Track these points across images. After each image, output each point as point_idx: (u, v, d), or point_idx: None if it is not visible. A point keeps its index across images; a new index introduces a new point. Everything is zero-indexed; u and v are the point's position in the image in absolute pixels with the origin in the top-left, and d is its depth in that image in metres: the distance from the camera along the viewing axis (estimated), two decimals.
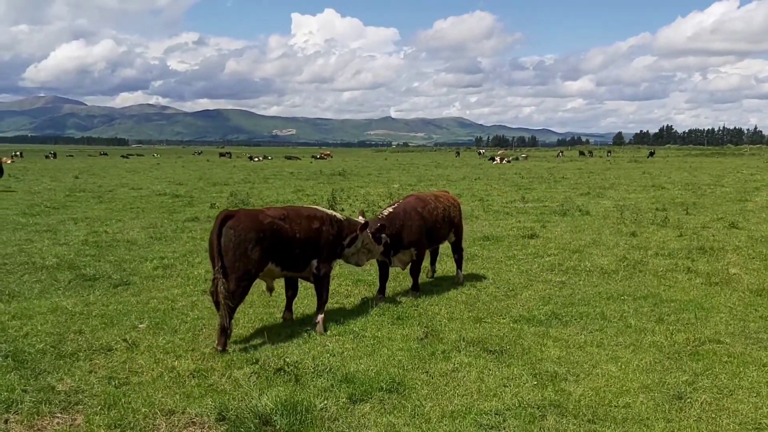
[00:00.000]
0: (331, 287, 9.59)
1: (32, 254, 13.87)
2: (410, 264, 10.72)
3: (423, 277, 11.50)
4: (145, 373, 7.09)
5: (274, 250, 8.16)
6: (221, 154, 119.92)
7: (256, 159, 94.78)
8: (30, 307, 9.78)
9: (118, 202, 26.15)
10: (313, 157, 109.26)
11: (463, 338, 8.16)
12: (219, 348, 7.74)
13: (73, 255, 13.80)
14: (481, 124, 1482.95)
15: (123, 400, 6.29)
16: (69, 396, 6.45)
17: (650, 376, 7.02)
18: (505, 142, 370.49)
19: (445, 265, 13.00)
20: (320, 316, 8.86)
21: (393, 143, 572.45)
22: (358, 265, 9.82)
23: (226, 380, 6.90)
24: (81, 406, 6.25)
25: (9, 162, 76.41)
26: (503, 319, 9.22)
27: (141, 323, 9.02)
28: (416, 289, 10.79)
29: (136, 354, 7.70)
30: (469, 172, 49.25)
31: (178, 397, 6.43)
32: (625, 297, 10.43)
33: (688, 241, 15.53)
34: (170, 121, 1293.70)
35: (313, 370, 7.00)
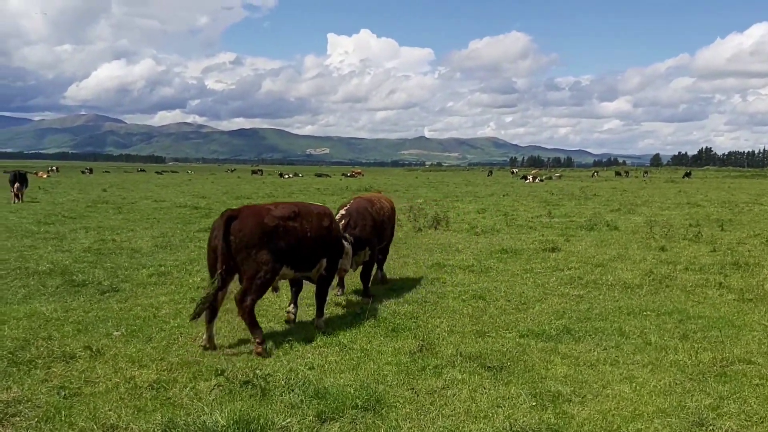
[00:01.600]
0: None
1: (29, 260, 13.41)
2: (361, 267, 10.51)
3: (379, 286, 11.39)
4: (100, 384, 6.41)
5: (286, 251, 7.78)
6: (253, 172, 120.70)
7: (287, 176, 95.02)
8: (6, 311, 9.22)
9: (137, 213, 25.85)
10: (343, 175, 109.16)
11: (460, 353, 7.32)
12: (257, 352, 7.37)
13: (70, 261, 13.31)
14: (515, 145, 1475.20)
15: (65, 413, 5.61)
16: (8, 407, 5.79)
17: (669, 399, 6.09)
18: (540, 163, 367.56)
19: (456, 276, 12.17)
20: (322, 319, 8.70)
21: (426, 163, 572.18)
22: (345, 269, 9.49)
23: (187, 393, 6.17)
24: (18, 419, 5.58)
25: (45, 176, 77.81)
26: (509, 333, 8.34)
27: (117, 330, 8.38)
28: (368, 295, 10.51)
29: (98, 363, 7.03)
30: (498, 190, 48.22)
31: (127, 410, 5.72)
32: (648, 312, 9.46)
33: (721, 256, 14.41)
34: (207, 140, 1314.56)
35: (284, 384, 6.23)
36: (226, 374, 6.46)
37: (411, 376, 6.62)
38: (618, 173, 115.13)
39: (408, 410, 5.78)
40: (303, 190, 48.98)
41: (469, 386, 6.35)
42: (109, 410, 5.69)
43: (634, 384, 6.52)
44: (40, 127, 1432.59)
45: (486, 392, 6.21)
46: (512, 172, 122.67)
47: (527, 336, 8.18)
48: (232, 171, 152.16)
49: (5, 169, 61.60)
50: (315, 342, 7.82)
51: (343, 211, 10.14)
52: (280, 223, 7.75)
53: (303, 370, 6.73)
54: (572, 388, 6.34)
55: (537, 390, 6.27)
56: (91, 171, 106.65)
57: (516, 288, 11.12)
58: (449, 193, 42.96)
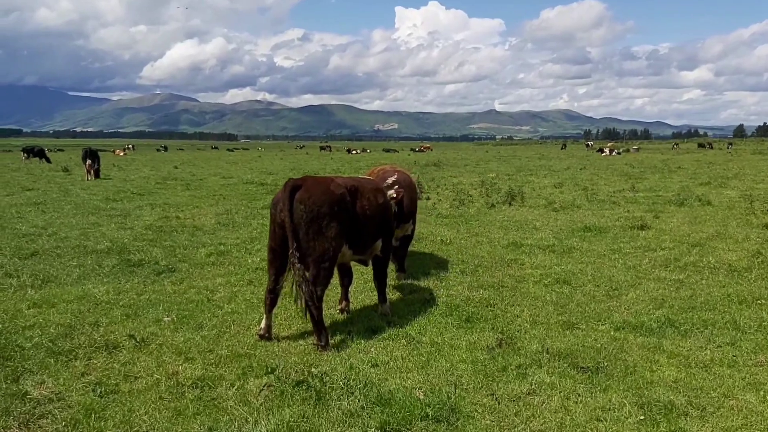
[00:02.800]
0: None
1: (90, 238, 13.10)
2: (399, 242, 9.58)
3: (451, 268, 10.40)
4: (140, 380, 5.74)
5: (348, 229, 6.86)
6: (321, 148, 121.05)
7: (354, 152, 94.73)
8: (57, 293, 8.77)
9: (204, 190, 25.66)
10: (412, 149, 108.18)
11: (547, 349, 6.30)
12: (321, 345, 6.50)
13: (130, 240, 12.92)
14: (590, 117, 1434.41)
15: (96, 416, 4.95)
16: (39, 406, 5.19)
17: None
18: (615, 135, 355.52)
19: (535, 257, 11.07)
20: (386, 305, 7.92)
21: (497, 137, 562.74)
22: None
23: (234, 393, 5.42)
24: (45, 421, 4.96)
25: (121, 154, 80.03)
26: (602, 325, 7.25)
27: (167, 316, 7.76)
28: (403, 270, 9.86)
29: (142, 354, 6.39)
30: (574, 163, 46.11)
31: (165, 413, 5.02)
32: (763, 301, 8.16)
33: None
34: (277, 117, 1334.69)
35: (342, 386, 5.37)
36: (277, 372, 5.67)
37: (490, 378, 5.66)
38: (701, 145, 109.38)
39: (488, 422, 4.85)
40: (371, 165, 48.17)
41: (560, 392, 5.35)
42: (145, 413, 5.00)
43: (761, 392, 5.38)
44: (118, 107, 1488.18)
45: (581, 400, 5.20)
46: (587, 145, 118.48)
47: (623, 329, 7.07)
48: (301, 147, 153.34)
49: (84, 148, 63.40)
50: (379, 334, 6.96)
51: (391, 179, 9.24)
52: (345, 193, 6.88)
53: (365, 368, 5.87)
54: (686, 398, 5.25)
55: (643, 399, 5.21)
56: (166, 149, 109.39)
57: (604, 271, 9.94)
58: (522, 167, 41.30)
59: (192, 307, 8.15)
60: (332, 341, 6.71)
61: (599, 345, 6.48)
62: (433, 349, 6.43)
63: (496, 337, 6.66)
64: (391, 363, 6.04)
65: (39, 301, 8.36)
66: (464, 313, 7.62)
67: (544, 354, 6.18)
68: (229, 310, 7.97)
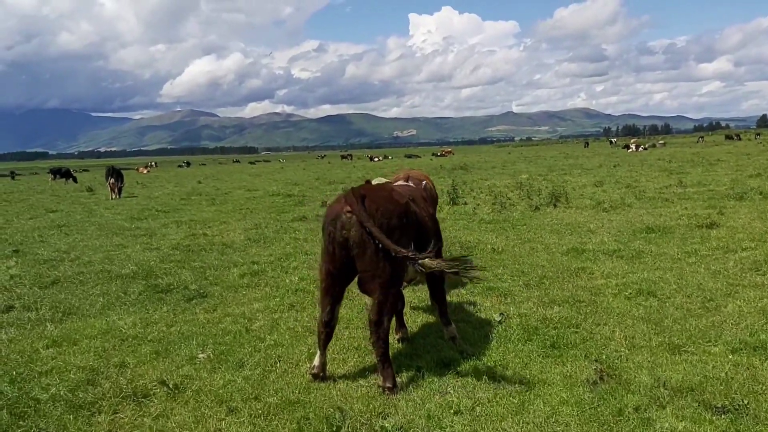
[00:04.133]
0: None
1: (114, 261, 12.24)
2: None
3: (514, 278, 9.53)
4: None
5: (413, 241, 5.81)
6: (343, 156, 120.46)
7: (377, 159, 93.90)
8: (79, 328, 7.86)
9: (230, 204, 24.83)
10: (434, 155, 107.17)
11: (663, 382, 5.20)
12: (387, 387, 5.45)
13: (156, 262, 12.01)
14: (608, 114, 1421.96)
15: None
16: None
17: None
18: (636, 131, 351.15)
19: (603, 264, 9.94)
20: (452, 327, 6.77)
21: (515, 138, 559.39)
22: None
23: None
24: None
25: (145, 172, 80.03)
26: (714, 346, 6.12)
27: (202, 352, 6.80)
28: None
29: (177, 404, 5.41)
30: (604, 160, 44.66)
31: None
32: None
33: None
34: (296, 128, 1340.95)
35: None
36: (346, 426, 4.65)
37: (606, 427, 4.58)
38: (729, 137, 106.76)
39: None
40: (396, 172, 47.25)
41: None
42: None
43: None
44: (140, 125, 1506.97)
45: None
46: (611, 142, 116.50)
47: (742, 350, 5.94)
48: (322, 157, 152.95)
49: (107, 166, 63.37)
50: (453, 368, 5.90)
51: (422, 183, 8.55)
52: (409, 202, 5.88)
53: (447, 417, 4.82)
54: None
55: None
56: (188, 164, 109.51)
57: (688, 278, 8.77)
58: (552, 166, 40.00)
59: (229, 339, 7.17)
60: (399, 379, 5.67)
61: (724, 374, 5.36)
62: (523, 387, 5.35)
63: (594, 367, 5.56)
64: (478, 408, 4.97)
65: (59, 338, 7.45)
66: (546, 337, 6.53)
67: (661, 389, 5.08)
68: (272, 342, 6.98)
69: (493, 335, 6.75)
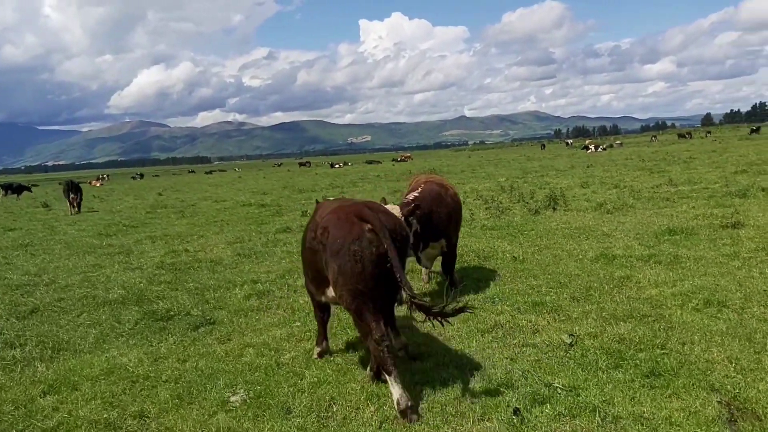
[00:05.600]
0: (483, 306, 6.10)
1: (96, 285, 11.02)
2: (442, 259, 9.07)
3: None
4: None
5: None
6: (301, 164, 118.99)
7: (337, 166, 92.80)
8: (77, 367, 6.75)
9: (201, 216, 23.53)
10: (393, 160, 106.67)
11: None
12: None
13: (145, 284, 10.84)
14: (558, 116, 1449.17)
15: None
16: None
17: None
18: (585, 133, 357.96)
19: (643, 271, 9.23)
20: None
21: (469, 142, 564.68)
22: None
23: None
24: None
25: (98, 185, 77.35)
26: None
27: (233, 394, 5.78)
28: (459, 283, 9.02)
29: None
30: (573, 161, 44.58)
31: None
32: None
33: None
34: (249, 136, 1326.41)
35: None
36: None
37: None
38: (681, 135, 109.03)
39: None
40: (363, 178, 46.33)
41: None
42: None
43: None
44: (89, 138, 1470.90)
45: None
46: (567, 143, 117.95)
47: None
48: (279, 165, 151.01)
49: (59, 181, 60.86)
50: (550, 404, 5.02)
51: (411, 195, 8.38)
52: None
53: None
54: None
55: None
56: (142, 176, 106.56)
57: (747, 284, 8.08)
58: (525, 168, 39.60)
59: (260, 377, 6.16)
60: (478, 409, 4.77)
61: None
62: (644, 428, 4.51)
63: (717, 399, 4.77)
64: None
65: (55, 382, 6.33)
66: (637, 361, 5.72)
67: None
68: (314, 379, 5.99)
69: (573, 361, 5.90)
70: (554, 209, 16.46)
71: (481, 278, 9.54)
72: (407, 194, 8.62)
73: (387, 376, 5.15)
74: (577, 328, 6.86)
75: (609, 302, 7.78)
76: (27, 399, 5.89)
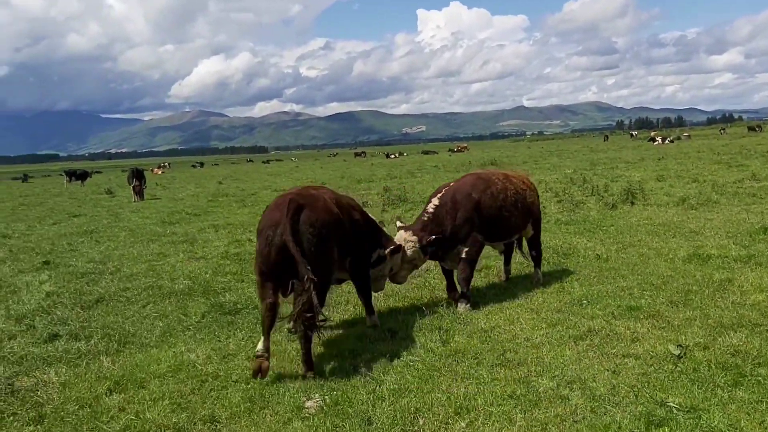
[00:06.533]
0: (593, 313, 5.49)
1: (162, 274, 10.83)
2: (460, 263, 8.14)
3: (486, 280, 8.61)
4: None
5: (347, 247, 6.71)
6: (356, 154, 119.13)
7: (393, 156, 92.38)
8: (144, 363, 6.45)
9: (262, 205, 23.27)
10: (450, 150, 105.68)
11: None
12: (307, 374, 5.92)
13: (210, 274, 10.59)
14: (620, 107, 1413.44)
15: None
16: None
17: None
18: (648, 124, 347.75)
19: (745, 274, 8.43)
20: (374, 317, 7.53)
21: (527, 133, 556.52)
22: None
23: None
24: None
25: (160, 172, 79.06)
26: None
27: (308, 399, 5.36)
28: (465, 298, 7.90)
29: None
30: (642, 153, 42.94)
31: None
32: None
33: None
34: (305, 127, 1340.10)
35: None
36: None
37: None
38: (751, 128, 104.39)
39: None
40: (420, 168, 45.72)
41: None
42: None
43: None
44: (150, 126, 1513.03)
45: None
46: (631, 135, 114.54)
47: None
48: (334, 155, 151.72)
49: (122, 168, 62.41)
50: (672, 422, 4.41)
51: (431, 205, 8.01)
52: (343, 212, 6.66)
53: None
54: None
55: None
56: (201, 165, 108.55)
57: None
58: (592, 160, 38.26)
59: (335, 381, 5.72)
60: (585, 430, 4.20)
61: None
62: None
63: None
64: None
65: (121, 379, 6.03)
66: (761, 379, 5.02)
67: None
68: (394, 386, 5.50)
69: (685, 376, 5.25)
70: (632, 203, 15.58)
71: (563, 278, 8.90)
72: (426, 206, 8.16)
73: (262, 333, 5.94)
74: (682, 337, 6.18)
75: (712, 308, 7.06)
76: (92, 397, 5.59)
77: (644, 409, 4.70)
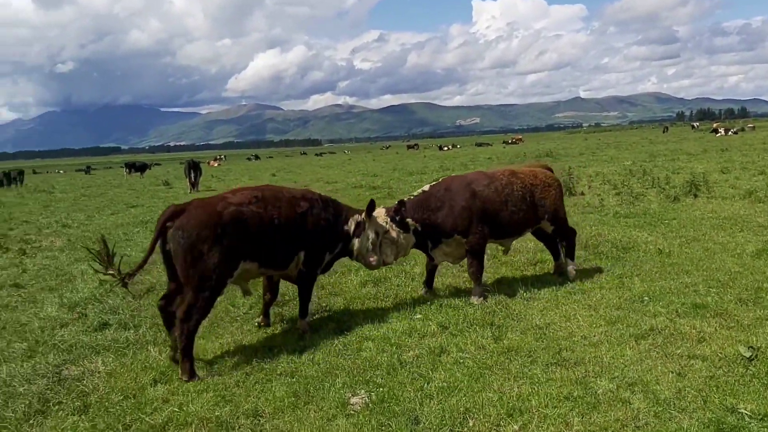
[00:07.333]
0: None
1: None
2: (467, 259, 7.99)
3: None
4: None
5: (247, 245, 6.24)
6: (409, 146, 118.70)
7: (446, 148, 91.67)
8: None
9: None
10: (504, 142, 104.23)
11: None
12: (184, 378, 5.72)
13: None
14: (681, 98, 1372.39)
15: None
16: None
17: None
18: (711, 116, 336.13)
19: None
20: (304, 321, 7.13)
21: (584, 124, 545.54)
22: (371, 265, 7.47)
23: None
24: None
25: (215, 165, 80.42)
26: None
27: (353, 394, 5.19)
28: (478, 294, 7.76)
29: None
30: (704, 145, 41.36)
31: None
32: None
33: None
34: (358, 119, 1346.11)
35: None
36: None
37: None
38: None
39: None
40: (473, 161, 45.10)
41: None
42: None
43: None
44: (208, 120, 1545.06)
45: None
46: (693, 126, 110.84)
47: None
48: (387, 148, 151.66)
49: (180, 161, 63.80)
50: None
51: (426, 187, 8.07)
52: (235, 211, 6.19)
53: None
54: None
55: None
56: (257, 157, 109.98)
57: None
58: (651, 152, 37.03)
59: (382, 377, 5.52)
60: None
61: None
62: None
63: None
64: None
65: (167, 369, 5.98)
66: None
67: None
68: (442, 384, 5.27)
69: (758, 381, 4.87)
70: (695, 196, 14.90)
71: (623, 273, 8.48)
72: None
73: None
74: (753, 338, 5.76)
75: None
76: (137, 388, 5.55)
77: (713, 415, 4.36)
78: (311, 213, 6.85)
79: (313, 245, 6.88)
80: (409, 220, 7.64)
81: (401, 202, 7.65)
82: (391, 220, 7.53)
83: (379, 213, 7.53)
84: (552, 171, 9.08)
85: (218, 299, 6.28)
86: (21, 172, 49.07)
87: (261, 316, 7.41)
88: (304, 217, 6.77)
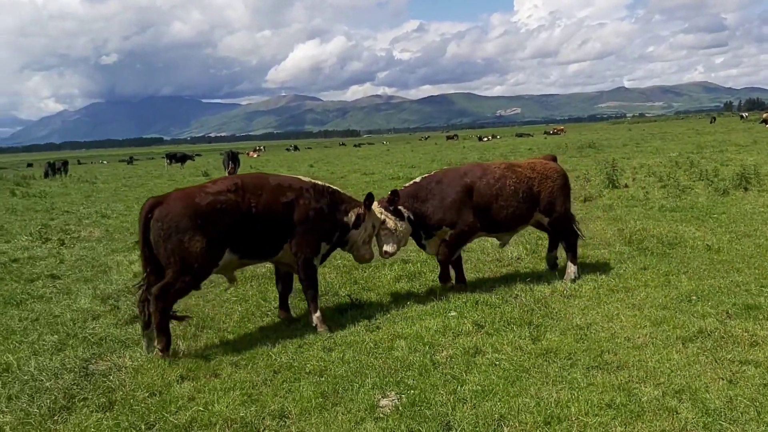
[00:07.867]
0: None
1: None
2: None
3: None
4: None
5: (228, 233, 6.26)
6: (448, 137, 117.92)
7: (486, 139, 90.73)
8: (215, 353, 6.27)
9: (350, 189, 23.25)
10: (546, 133, 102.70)
11: None
12: (160, 348, 6.11)
13: None
14: (729, 88, 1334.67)
15: None
16: None
17: None
18: (760, 106, 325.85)
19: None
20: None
21: (627, 115, 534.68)
22: (363, 258, 7.45)
23: None
24: None
25: (255, 156, 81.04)
26: None
27: (383, 396, 4.99)
28: (461, 281, 8.14)
29: None
30: (754, 136, 39.94)
31: None
32: None
33: None
34: (397, 110, 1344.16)
35: None
36: None
37: None
38: None
39: None
40: (513, 152, 44.41)
41: None
42: None
43: None
44: (248, 111, 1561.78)
45: None
46: (741, 117, 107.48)
47: None
48: (426, 138, 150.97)
49: (220, 152, 64.47)
50: None
51: (418, 178, 8.07)
52: (211, 201, 6.23)
53: None
54: None
55: None
56: (296, 148, 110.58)
57: None
58: (698, 143, 35.92)
59: (413, 378, 5.31)
60: None
61: None
62: None
63: None
64: None
65: (194, 366, 5.85)
66: None
67: None
68: (477, 387, 5.03)
69: None
70: (746, 189, 14.29)
71: (670, 271, 8.10)
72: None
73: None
74: None
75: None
76: (163, 384, 5.44)
77: (767, 428, 4.03)
78: (297, 202, 6.71)
79: (302, 235, 6.73)
80: (401, 207, 7.62)
81: (394, 192, 7.56)
82: (386, 210, 7.50)
83: (374, 206, 7.45)
84: (556, 161, 8.79)
85: (201, 284, 6.42)
86: (65, 163, 50.09)
87: (279, 309, 7.43)
88: (290, 206, 6.66)
